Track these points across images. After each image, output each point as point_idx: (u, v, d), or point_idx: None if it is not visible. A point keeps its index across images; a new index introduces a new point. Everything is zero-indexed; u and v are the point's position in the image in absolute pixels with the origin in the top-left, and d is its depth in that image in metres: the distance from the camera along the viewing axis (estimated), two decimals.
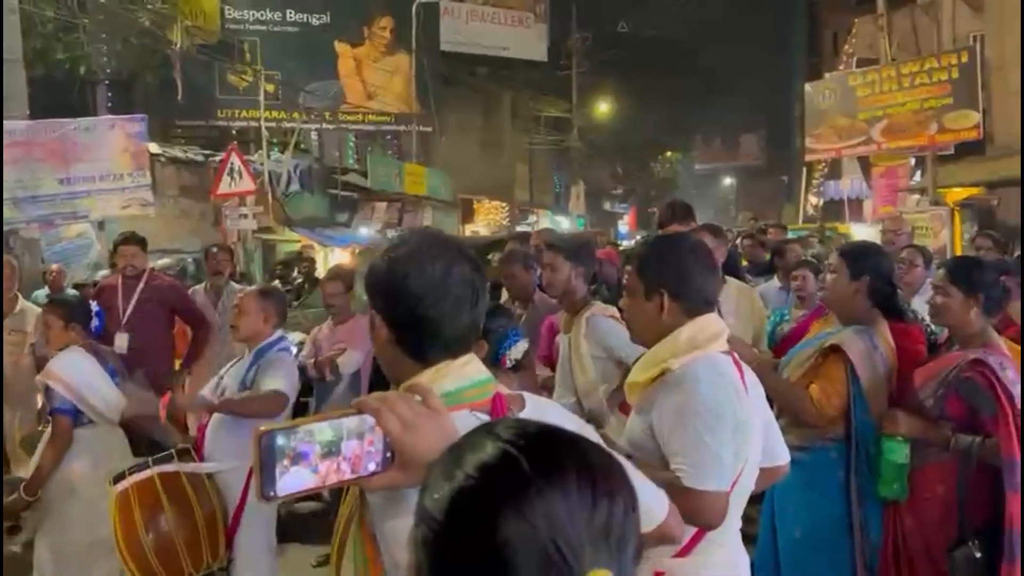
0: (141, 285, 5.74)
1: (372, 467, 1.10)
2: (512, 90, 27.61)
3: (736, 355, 2.11)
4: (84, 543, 3.80)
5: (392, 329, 1.42)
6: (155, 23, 15.56)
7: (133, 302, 5.67)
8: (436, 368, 1.38)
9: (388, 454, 1.11)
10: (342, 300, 4.92)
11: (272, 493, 1.04)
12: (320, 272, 11.82)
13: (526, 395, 1.43)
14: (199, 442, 3.54)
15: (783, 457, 2.21)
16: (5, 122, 9.04)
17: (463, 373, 1.38)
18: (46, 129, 8.82)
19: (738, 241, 8.54)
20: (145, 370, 5.45)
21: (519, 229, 20.69)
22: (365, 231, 18.46)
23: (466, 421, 1.20)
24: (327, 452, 1.06)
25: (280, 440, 1.04)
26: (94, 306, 4.26)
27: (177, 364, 6.02)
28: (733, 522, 2.03)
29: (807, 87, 16.41)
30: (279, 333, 3.72)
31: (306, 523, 5.21)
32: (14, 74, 9.94)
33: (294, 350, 3.77)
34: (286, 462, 1.04)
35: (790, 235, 9.93)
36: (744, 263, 8.06)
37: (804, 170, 24.18)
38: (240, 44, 18.51)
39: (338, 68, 20.96)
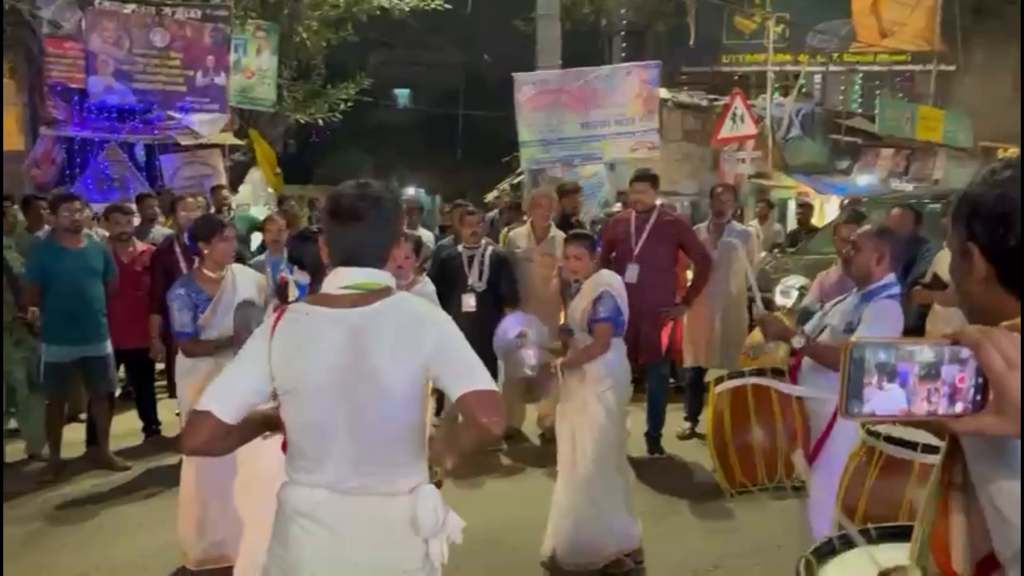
0: (651, 220, 6.09)
1: (959, 407, 1.00)
2: None
3: None
4: (606, 442, 4.29)
5: (994, 264, 1.25)
6: None
7: (644, 236, 6.04)
8: None
9: (978, 396, 1.00)
10: None
11: (857, 411, 1.00)
12: (816, 220, 11.42)
13: None
14: (794, 367, 3.66)
15: None
16: (541, 71, 10.19)
17: None
18: (573, 77, 9.72)
19: None
20: (650, 299, 5.88)
21: None
22: (865, 180, 17.33)
23: None
24: (926, 374, 0.99)
25: (874, 355, 0.99)
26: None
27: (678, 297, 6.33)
28: None
29: None
30: (890, 277, 3.63)
31: None
32: (550, 28, 11.13)
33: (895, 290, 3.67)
34: (879, 379, 0.99)
35: None
36: None
37: None
38: None
39: (851, 5, 19.70)
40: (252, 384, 2.08)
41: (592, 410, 4.32)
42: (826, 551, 1.95)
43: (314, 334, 2.08)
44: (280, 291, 3.61)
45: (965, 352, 1.00)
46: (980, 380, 1.00)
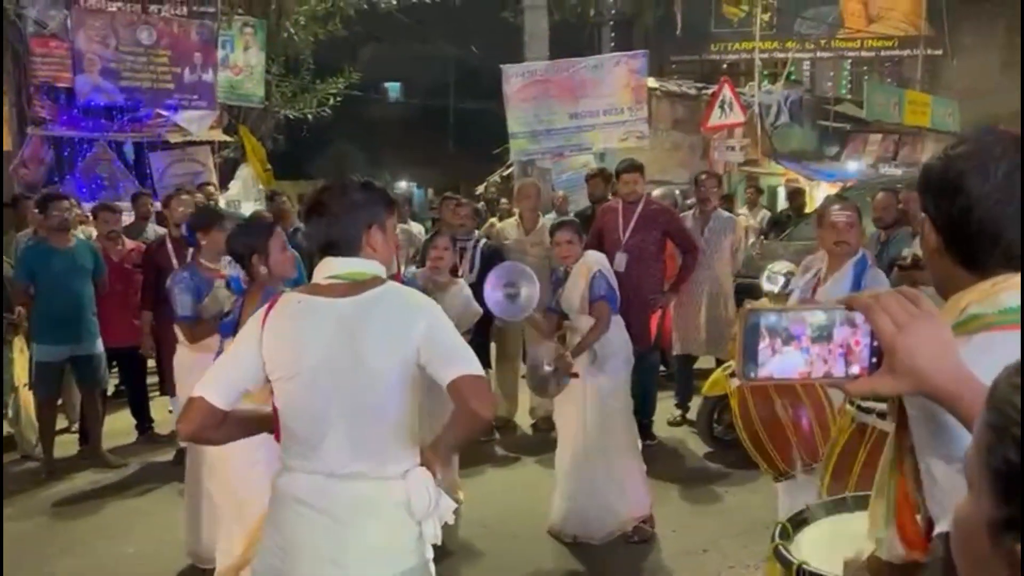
0: (639, 209, 6.12)
1: (856, 369, 1.04)
2: None
3: None
4: (616, 414, 4.52)
5: (943, 235, 1.30)
6: None
7: (632, 225, 6.07)
8: (993, 281, 1.24)
9: (874, 358, 1.04)
10: None
11: (753, 375, 1.03)
12: (807, 207, 11.46)
13: None
14: None
15: None
16: (530, 62, 10.20)
17: None
18: (561, 68, 9.73)
19: None
20: (639, 288, 5.91)
21: None
22: (854, 165, 17.40)
23: None
24: (818, 336, 1.03)
25: (767, 320, 1.03)
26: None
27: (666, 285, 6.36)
28: None
29: None
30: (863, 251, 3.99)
31: None
32: (538, 19, 11.11)
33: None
34: (774, 343, 1.02)
35: None
36: None
37: None
38: None
39: None
40: (244, 370, 2.14)
41: (598, 387, 4.46)
42: (803, 518, 1.99)
43: (306, 322, 2.12)
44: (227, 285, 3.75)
45: (858, 316, 1.04)
46: (875, 343, 1.04)
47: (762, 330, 1.03)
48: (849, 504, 1.93)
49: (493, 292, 4.83)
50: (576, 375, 4.43)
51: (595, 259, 4.67)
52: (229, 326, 3.50)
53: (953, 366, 1.01)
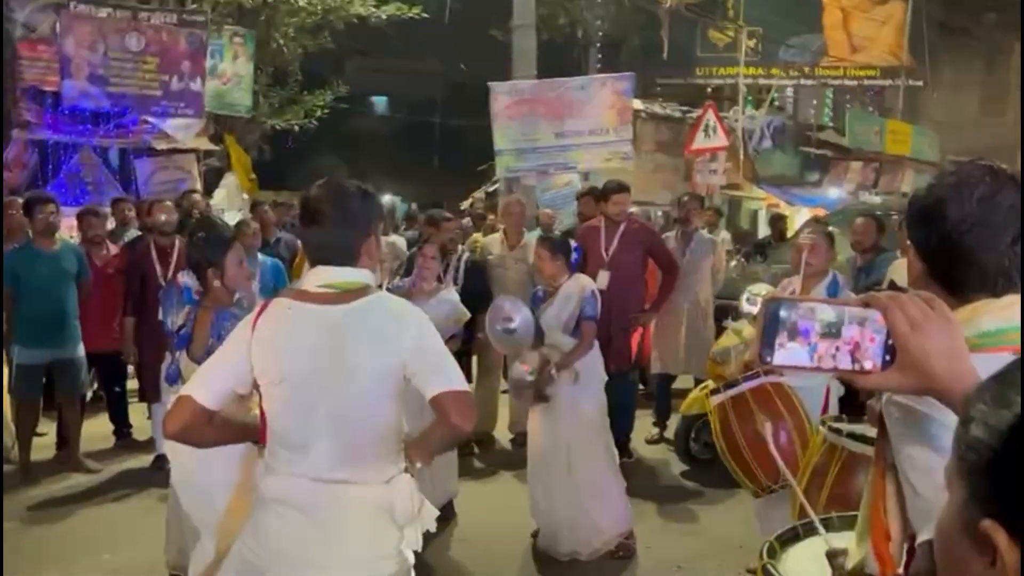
0: (622, 228, 6.20)
1: (868, 364, 1.09)
2: None
3: None
4: (601, 434, 4.68)
5: (925, 260, 1.36)
6: None
7: (615, 243, 6.15)
8: (973, 306, 1.29)
9: (887, 356, 1.09)
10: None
11: (769, 360, 1.09)
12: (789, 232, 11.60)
13: None
14: None
15: None
16: (517, 81, 10.28)
17: (1009, 314, 1.26)
18: (548, 87, 9.81)
19: None
20: (620, 306, 5.98)
21: None
22: (835, 192, 17.62)
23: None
24: (826, 332, 1.08)
25: (783, 311, 1.08)
26: (573, 244, 4.87)
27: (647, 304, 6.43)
28: None
29: None
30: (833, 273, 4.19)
31: None
32: (527, 38, 11.21)
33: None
34: (786, 335, 1.07)
35: None
36: None
37: None
38: (724, 0, 18.69)
39: (823, 20, 20.04)
40: (233, 372, 2.15)
41: (585, 407, 4.53)
42: (790, 537, 2.03)
43: (295, 329, 2.14)
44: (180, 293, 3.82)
45: (876, 314, 1.09)
46: (889, 341, 1.09)
47: (782, 319, 1.08)
48: (835, 523, 1.97)
49: (493, 330, 4.87)
50: (547, 399, 4.50)
51: (588, 280, 4.77)
52: (184, 339, 3.53)
53: (961, 367, 1.05)
